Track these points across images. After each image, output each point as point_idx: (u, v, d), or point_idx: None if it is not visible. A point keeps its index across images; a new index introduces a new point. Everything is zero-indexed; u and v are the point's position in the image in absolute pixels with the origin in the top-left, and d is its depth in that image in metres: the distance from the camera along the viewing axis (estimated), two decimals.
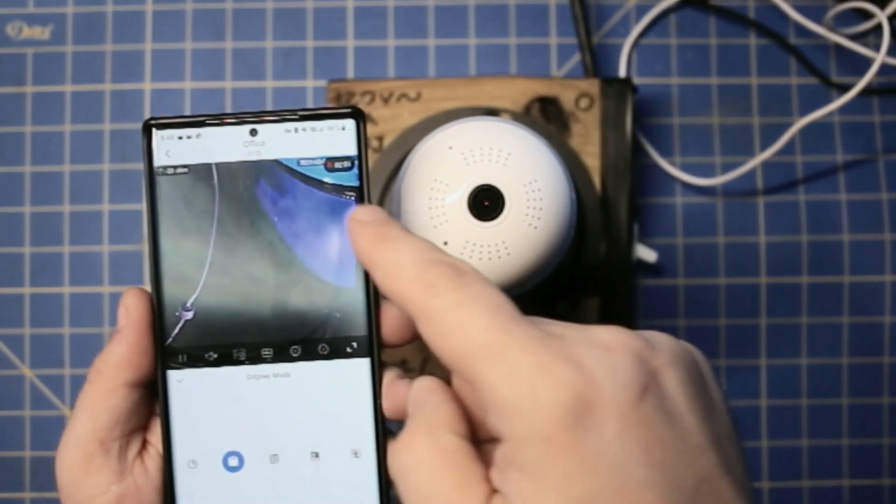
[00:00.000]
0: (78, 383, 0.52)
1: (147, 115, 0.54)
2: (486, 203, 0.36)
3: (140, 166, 0.53)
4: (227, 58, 0.54)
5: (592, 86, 0.49)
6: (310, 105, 0.54)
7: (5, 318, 0.53)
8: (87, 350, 0.53)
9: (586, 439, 0.22)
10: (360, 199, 0.32)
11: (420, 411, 0.25)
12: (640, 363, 0.24)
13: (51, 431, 0.52)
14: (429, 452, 0.24)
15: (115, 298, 0.53)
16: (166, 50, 0.54)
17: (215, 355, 0.31)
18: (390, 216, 0.28)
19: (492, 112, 0.49)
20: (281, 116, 0.32)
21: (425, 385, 0.26)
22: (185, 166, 0.32)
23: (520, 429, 0.23)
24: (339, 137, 0.32)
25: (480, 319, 0.24)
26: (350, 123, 0.32)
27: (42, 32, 0.54)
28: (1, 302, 0.53)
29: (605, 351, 0.24)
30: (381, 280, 0.27)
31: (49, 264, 0.53)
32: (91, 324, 0.53)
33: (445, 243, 0.36)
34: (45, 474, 0.52)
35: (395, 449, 0.25)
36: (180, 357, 0.31)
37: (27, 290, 0.53)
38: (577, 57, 0.54)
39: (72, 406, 0.52)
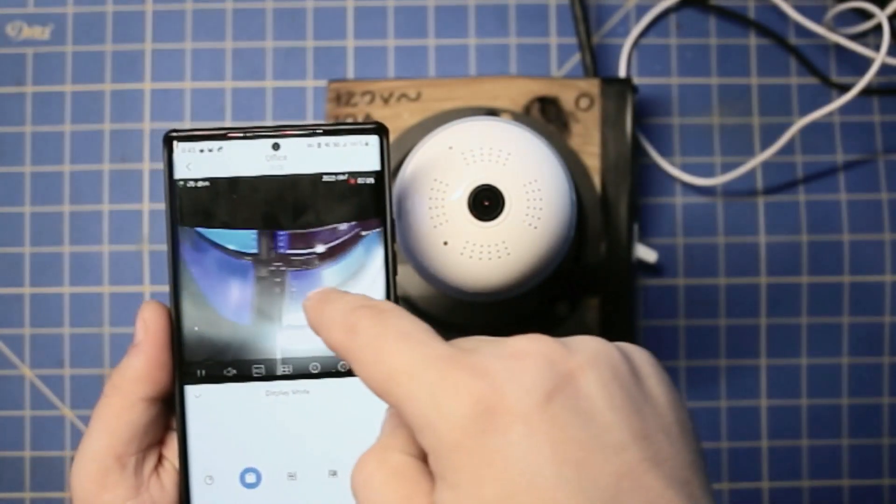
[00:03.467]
0: (78, 383, 0.52)
1: (147, 116, 0.54)
2: (486, 203, 0.36)
3: (140, 166, 0.53)
4: (227, 58, 0.54)
5: (592, 86, 0.49)
6: (310, 106, 0.54)
7: (5, 318, 0.53)
8: (87, 350, 0.53)
9: (492, 443, 0.23)
10: (382, 214, 0.31)
11: (379, 434, 0.27)
12: (550, 366, 0.24)
13: (51, 431, 0.52)
14: (378, 470, 0.25)
15: (116, 298, 0.53)
16: (166, 50, 0.54)
17: (234, 371, 0.31)
18: (337, 288, 0.30)
19: (492, 112, 0.49)
20: (304, 131, 0.32)
21: (388, 409, 0.28)
22: (206, 179, 0.31)
23: (433, 441, 0.24)
24: (362, 153, 0.32)
25: (392, 347, 0.25)
26: (373, 139, 0.32)
27: (42, 32, 0.54)
28: (1, 302, 0.53)
29: (512, 359, 0.25)
30: (323, 337, 0.28)
31: (49, 264, 0.53)
32: (91, 324, 0.53)
33: (445, 243, 0.36)
34: (45, 474, 0.52)
35: (354, 468, 0.26)
36: (198, 372, 0.31)
37: (27, 290, 0.53)
38: (577, 57, 0.54)
39: (72, 406, 0.52)
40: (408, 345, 0.25)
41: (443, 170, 0.36)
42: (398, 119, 0.49)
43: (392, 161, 0.48)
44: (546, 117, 0.49)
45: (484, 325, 0.48)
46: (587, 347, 0.26)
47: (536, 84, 0.49)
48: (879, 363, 0.53)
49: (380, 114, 0.49)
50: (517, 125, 0.38)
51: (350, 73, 0.54)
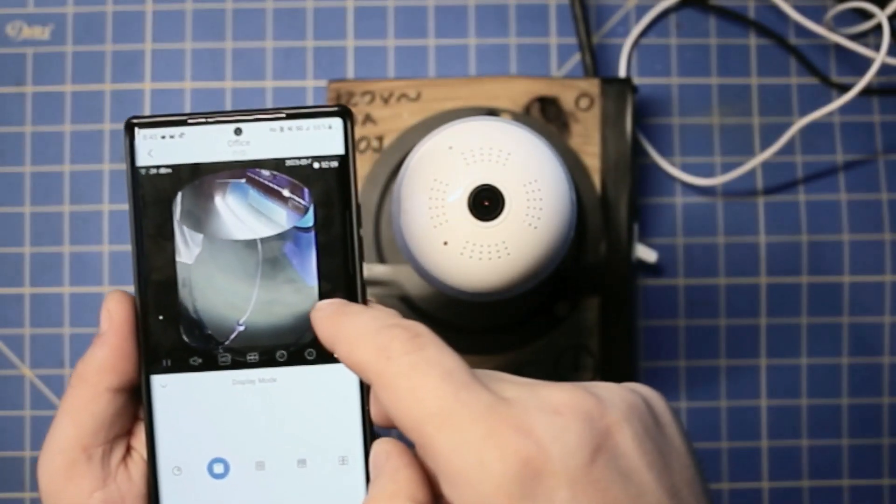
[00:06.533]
0: None
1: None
2: (486, 203, 0.35)
3: None
4: (227, 58, 0.54)
5: (592, 86, 0.49)
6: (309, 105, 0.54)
7: (5, 318, 0.53)
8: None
9: None
10: (348, 198, 0.31)
11: (379, 478, 0.26)
12: (591, 424, 0.24)
13: None
14: None
15: None
16: (166, 50, 0.54)
17: (200, 360, 0.31)
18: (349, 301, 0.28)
19: (492, 112, 0.49)
20: (266, 115, 0.31)
21: (384, 449, 0.27)
22: (168, 166, 0.31)
23: (469, 499, 0.23)
24: (326, 136, 0.31)
25: (432, 386, 0.24)
26: (337, 122, 0.31)
27: (42, 32, 0.54)
28: (1, 302, 0.53)
29: (554, 415, 0.24)
30: (342, 352, 0.27)
31: (49, 264, 0.53)
32: (91, 324, 0.53)
33: (445, 243, 0.36)
34: None
35: None
36: (164, 362, 0.31)
37: (27, 290, 0.53)
38: (577, 57, 0.54)
39: None
40: (448, 387, 0.24)
41: (443, 170, 0.36)
42: (398, 119, 0.49)
43: (392, 161, 0.48)
44: (546, 117, 0.49)
45: (484, 325, 0.48)
46: (618, 400, 0.25)
47: (536, 84, 0.49)
48: (879, 363, 0.53)
49: (380, 114, 0.49)
50: (517, 125, 0.38)
51: (350, 73, 0.54)
